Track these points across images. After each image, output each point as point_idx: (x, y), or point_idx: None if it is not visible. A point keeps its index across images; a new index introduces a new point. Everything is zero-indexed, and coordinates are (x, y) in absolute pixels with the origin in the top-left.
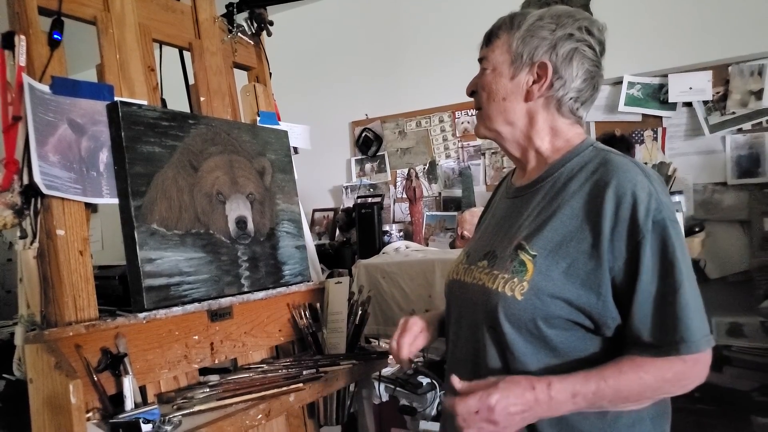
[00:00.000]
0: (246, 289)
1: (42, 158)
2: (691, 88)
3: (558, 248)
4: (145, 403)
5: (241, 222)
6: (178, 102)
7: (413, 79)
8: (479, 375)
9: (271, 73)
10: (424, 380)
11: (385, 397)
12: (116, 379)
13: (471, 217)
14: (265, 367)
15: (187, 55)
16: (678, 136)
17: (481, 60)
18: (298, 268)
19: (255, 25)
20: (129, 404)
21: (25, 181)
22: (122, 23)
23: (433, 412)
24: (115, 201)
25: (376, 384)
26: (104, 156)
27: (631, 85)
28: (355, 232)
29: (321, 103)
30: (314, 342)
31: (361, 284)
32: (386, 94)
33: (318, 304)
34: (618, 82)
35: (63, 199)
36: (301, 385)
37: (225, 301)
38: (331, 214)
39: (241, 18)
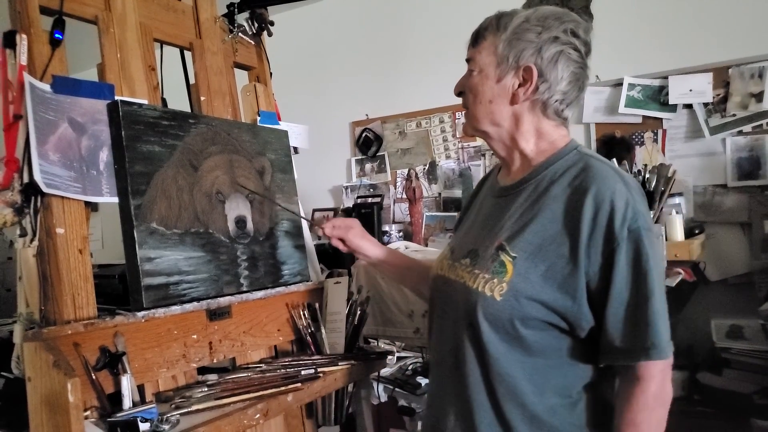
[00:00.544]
0: (245, 289)
1: (42, 157)
2: (691, 90)
3: (537, 251)
4: (143, 402)
5: (240, 221)
6: (179, 101)
7: (414, 79)
8: (459, 369)
9: (271, 73)
10: (423, 381)
11: (383, 398)
12: (114, 377)
13: None
14: (264, 366)
15: (187, 54)
16: (678, 138)
17: (468, 60)
18: (297, 267)
19: (256, 25)
20: (127, 403)
21: (26, 179)
22: (123, 23)
23: None
24: (115, 200)
25: (374, 384)
26: (104, 155)
27: (632, 86)
28: None
29: (321, 103)
30: (313, 342)
31: (360, 284)
32: (387, 95)
33: (317, 304)
34: (618, 84)
35: (63, 197)
36: (299, 385)
37: (224, 301)
38: (331, 214)
39: (242, 18)
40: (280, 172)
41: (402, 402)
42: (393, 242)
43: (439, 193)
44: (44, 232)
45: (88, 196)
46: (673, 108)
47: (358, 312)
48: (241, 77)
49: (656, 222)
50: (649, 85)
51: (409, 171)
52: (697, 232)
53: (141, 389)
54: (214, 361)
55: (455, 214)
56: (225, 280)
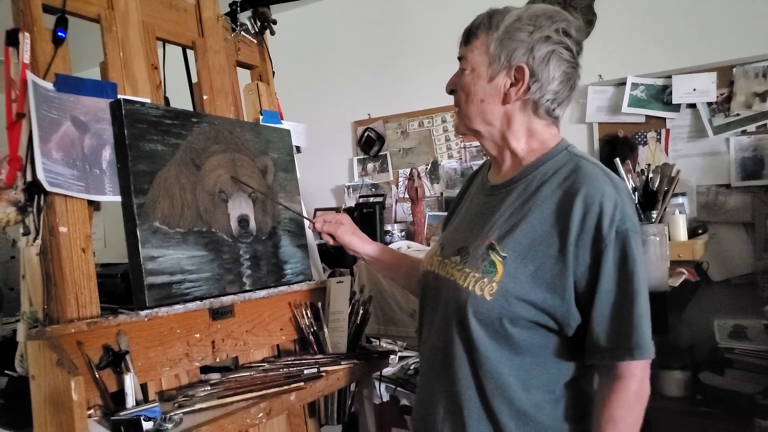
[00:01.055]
0: (248, 288)
1: (45, 155)
2: (695, 90)
3: (527, 251)
4: (146, 400)
5: (243, 220)
6: (181, 100)
7: (416, 79)
8: (449, 365)
9: (274, 72)
10: None
11: (386, 397)
12: (118, 376)
13: None
14: (266, 365)
15: (190, 53)
16: (681, 138)
17: (460, 59)
18: (299, 267)
19: (258, 23)
20: (130, 402)
21: (29, 178)
22: (126, 21)
23: None
24: (118, 199)
25: (377, 384)
26: (107, 153)
27: (635, 86)
28: None
29: (324, 102)
30: (315, 341)
31: (363, 284)
32: (389, 94)
33: (319, 303)
34: (621, 83)
35: (66, 196)
36: (302, 384)
37: (227, 300)
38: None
39: (244, 17)
40: (282, 171)
41: (404, 401)
42: (395, 242)
43: (441, 193)
44: (47, 230)
45: (91, 194)
46: (676, 107)
47: (361, 311)
48: (244, 76)
49: (659, 222)
50: (653, 84)
51: (411, 170)
52: (700, 232)
53: (144, 388)
54: (217, 360)
55: None
56: (228, 279)
